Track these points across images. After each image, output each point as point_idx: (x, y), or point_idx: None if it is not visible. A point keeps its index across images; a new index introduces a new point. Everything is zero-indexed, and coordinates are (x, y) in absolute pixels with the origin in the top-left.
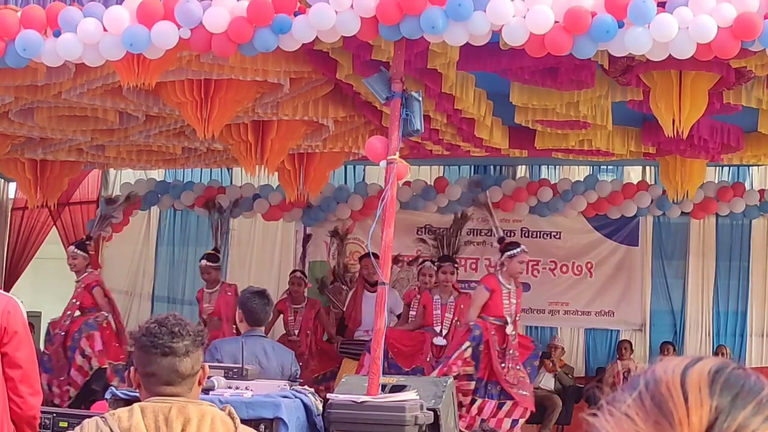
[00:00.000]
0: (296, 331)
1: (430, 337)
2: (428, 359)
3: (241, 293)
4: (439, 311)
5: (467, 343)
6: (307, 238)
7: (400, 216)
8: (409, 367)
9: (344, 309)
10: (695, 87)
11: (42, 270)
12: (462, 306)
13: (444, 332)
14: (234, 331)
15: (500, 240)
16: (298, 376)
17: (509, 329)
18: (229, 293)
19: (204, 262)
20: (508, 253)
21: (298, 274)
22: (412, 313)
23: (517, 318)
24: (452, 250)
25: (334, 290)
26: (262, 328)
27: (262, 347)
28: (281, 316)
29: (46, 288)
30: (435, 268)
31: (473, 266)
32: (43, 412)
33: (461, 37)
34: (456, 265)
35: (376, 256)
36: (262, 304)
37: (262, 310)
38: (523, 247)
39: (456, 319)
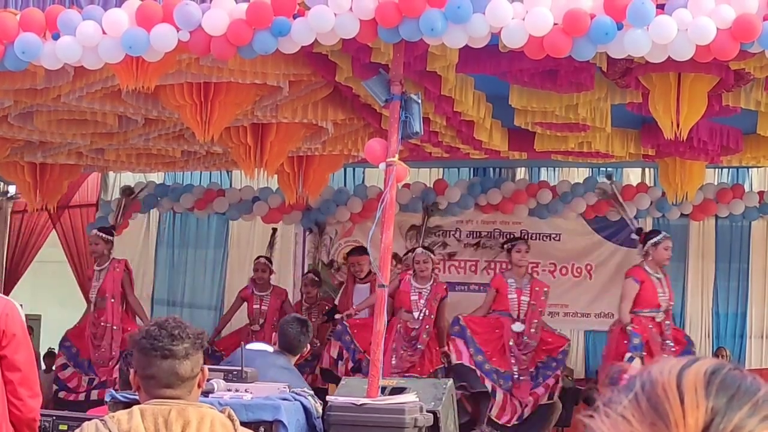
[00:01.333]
0: (261, 321)
1: (508, 323)
2: (510, 345)
3: (283, 318)
4: (515, 295)
5: (629, 354)
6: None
7: (399, 218)
8: (491, 353)
9: (335, 302)
10: (694, 89)
11: (41, 273)
12: (537, 289)
13: (521, 317)
14: (122, 310)
15: (638, 231)
16: None
17: (659, 317)
18: (117, 269)
19: (94, 231)
20: (652, 241)
21: (263, 260)
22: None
23: (670, 307)
24: (420, 240)
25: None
26: (294, 357)
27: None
28: (245, 304)
29: (46, 291)
30: (426, 255)
31: (472, 268)
32: (42, 414)
33: (460, 40)
34: (528, 247)
35: (365, 251)
36: (299, 332)
37: (296, 338)
38: (664, 233)
39: (533, 302)
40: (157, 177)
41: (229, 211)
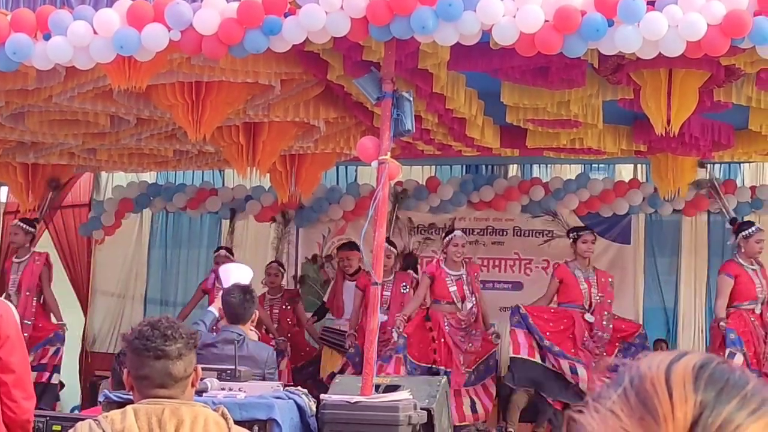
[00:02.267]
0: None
1: (578, 315)
2: (584, 339)
3: (225, 289)
4: (585, 286)
5: (729, 350)
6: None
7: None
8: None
9: (324, 299)
10: (685, 85)
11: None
12: (603, 279)
13: (592, 309)
14: (37, 304)
15: (732, 221)
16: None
17: (758, 308)
18: (38, 262)
19: (16, 221)
20: (743, 233)
21: (223, 252)
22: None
23: None
24: (390, 229)
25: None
26: (241, 326)
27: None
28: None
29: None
30: (464, 239)
31: None
32: (36, 415)
33: (451, 37)
34: (594, 238)
35: (355, 246)
36: (241, 299)
37: (240, 306)
38: (758, 226)
39: (600, 293)
40: (149, 177)
41: (222, 210)
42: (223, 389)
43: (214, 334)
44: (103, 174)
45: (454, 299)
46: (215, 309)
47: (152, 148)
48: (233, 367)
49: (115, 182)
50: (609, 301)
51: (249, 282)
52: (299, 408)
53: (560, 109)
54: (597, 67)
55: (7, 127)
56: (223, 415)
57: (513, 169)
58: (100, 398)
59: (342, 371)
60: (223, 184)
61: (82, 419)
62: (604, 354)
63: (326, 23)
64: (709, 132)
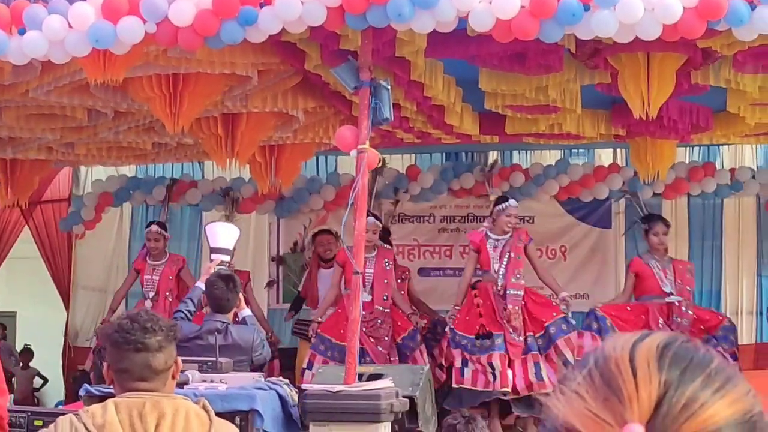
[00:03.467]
0: (151, 293)
1: (655, 307)
2: (660, 327)
3: (208, 277)
4: (662, 275)
5: None
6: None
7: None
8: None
9: (299, 288)
10: (663, 68)
11: (15, 269)
12: (680, 267)
13: (675, 292)
14: None
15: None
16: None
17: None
18: None
19: None
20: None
21: (155, 228)
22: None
23: None
24: (370, 204)
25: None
26: (226, 316)
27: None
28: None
29: (20, 287)
30: (515, 209)
31: (447, 253)
32: (17, 411)
33: (428, 25)
34: (668, 225)
35: (330, 232)
36: (227, 290)
37: (224, 296)
38: None
39: (678, 281)
40: (128, 170)
41: (202, 202)
42: (204, 381)
43: (198, 326)
44: (82, 168)
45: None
46: (202, 284)
47: (131, 141)
48: (214, 358)
49: (95, 176)
50: (688, 288)
51: (236, 241)
52: (281, 398)
53: (538, 94)
54: (574, 52)
55: None
56: (204, 407)
57: (493, 156)
58: (81, 393)
59: (309, 366)
60: (203, 176)
61: (64, 414)
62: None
63: (302, 13)
64: (687, 115)
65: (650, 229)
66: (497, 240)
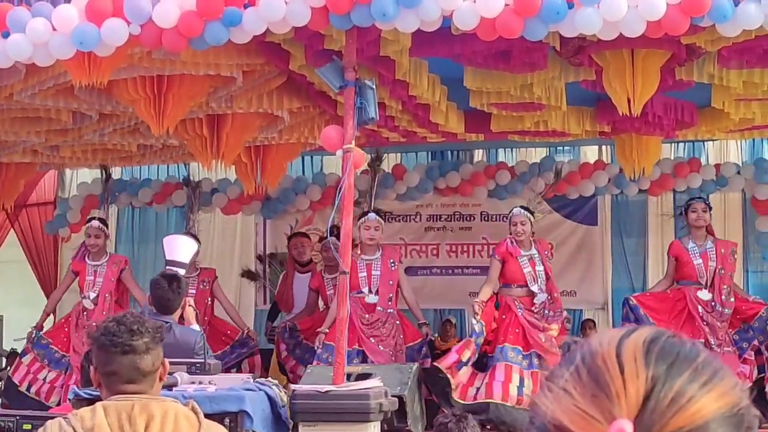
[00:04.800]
0: (92, 294)
1: (692, 292)
2: (700, 314)
3: (152, 279)
4: (700, 261)
5: None
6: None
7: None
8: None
9: (275, 292)
10: (647, 65)
11: (2, 273)
12: (722, 251)
13: (708, 283)
14: None
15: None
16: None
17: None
18: None
19: None
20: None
21: (96, 223)
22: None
23: None
24: (371, 201)
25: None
26: (171, 316)
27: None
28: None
29: (7, 291)
30: (524, 216)
31: (434, 252)
32: (5, 415)
33: (412, 24)
34: (709, 204)
35: (305, 235)
36: (169, 290)
37: (165, 297)
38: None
39: (720, 267)
40: (114, 172)
41: (188, 203)
42: (193, 383)
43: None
44: (68, 171)
45: (527, 281)
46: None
47: (116, 143)
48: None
49: (80, 179)
50: (730, 273)
51: (192, 255)
52: (270, 399)
53: (523, 92)
54: (558, 50)
55: None
56: (193, 409)
57: (478, 154)
58: (70, 396)
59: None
60: (189, 178)
61: (52, 417)
62: (726, 329)
63: (286, 13)
64: (672, 111)
65: (689, 206)
66: (528, 256)
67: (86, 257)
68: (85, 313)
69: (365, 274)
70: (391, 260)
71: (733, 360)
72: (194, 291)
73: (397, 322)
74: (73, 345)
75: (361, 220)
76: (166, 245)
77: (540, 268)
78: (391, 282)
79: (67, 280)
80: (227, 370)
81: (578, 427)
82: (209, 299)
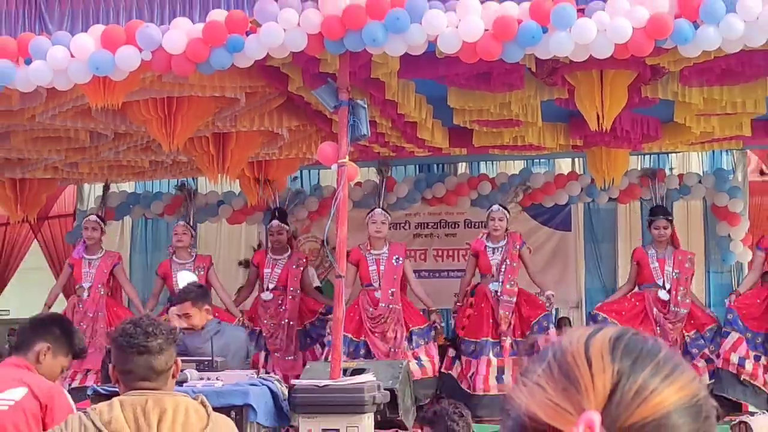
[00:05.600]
0: (86, 284)
1: (650, 294)
2: (654, 314)
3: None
4: (656, 264)
5: None
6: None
7: (352, 214)
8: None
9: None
10: (615, 84)
11: (27, 279)
12: (680, 257)
13: (667, 286)
14: None
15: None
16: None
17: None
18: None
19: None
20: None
21: (93, 217)
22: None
23: None
24: (380, 201)
25: None
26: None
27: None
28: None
29: (31, 295)
30: (501, 213)
31: (422, 256)
32: None
33: (400, 48)
34: (670, 218)
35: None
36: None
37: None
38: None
39: (676, 270)
40: (128, 186)
41: (197, 214)
42: (201, 379)
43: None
44: (86, 185)
45: (493, 272)
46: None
47: (130, 159)
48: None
49: (97, 193)
50: (686, 277)
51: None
52: (273, 393)
53: (502, 110)
54: (534, 71)
55: None
56: (202, 403)
57: (462, 167)
58: (89, 392)
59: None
60: (197, 191)
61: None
62: (679, 329)
63: (285, 40)
64: (638, 126)
65: (651, 223)
66: (494, 247)
67: (84, 252)
68: (80, 304)
69: (375, 267)
70: (396, 256)
71: None
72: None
73: (400, 314)
74: None
75: (368, 216)
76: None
77: (503, 257)
78: (395, 277)
79: (64, 273)
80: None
81: (551, 418)
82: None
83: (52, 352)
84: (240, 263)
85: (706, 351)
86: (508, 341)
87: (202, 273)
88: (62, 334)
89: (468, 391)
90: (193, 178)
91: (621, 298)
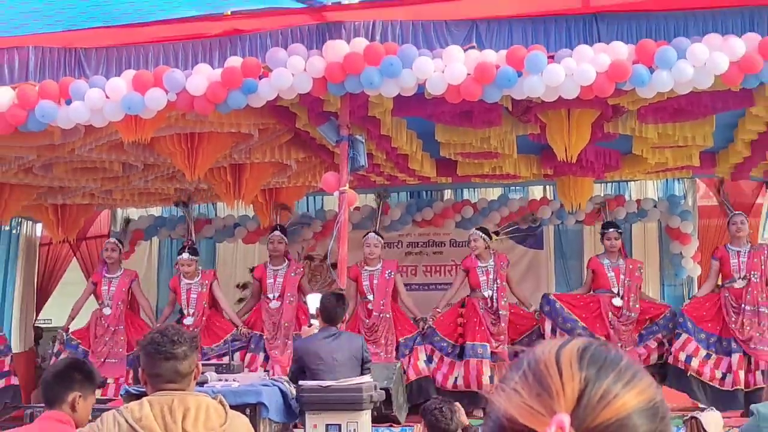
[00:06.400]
0: (108, 301)
1: (606, 299)
2: (609, 318)
3: (323, 295)
4: (612, 273)
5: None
6: None
7: (352, 235)
8: (594, 330)
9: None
10: (581, 121)
11: (66, 293)
12: (631, 267)
13: (620, 293)
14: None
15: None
16: (368, 360)
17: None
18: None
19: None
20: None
21: (113, 239)
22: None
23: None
24: (377, 225)
25: None
26: (336, 326)
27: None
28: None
29: (69, 306)
30: (477, 235)
31: (413, 272)
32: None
33: (394, 90)
34: (620, 231)
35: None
36: (336, 305)
37: (333, 310)
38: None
39: (628, 278)
40: (156, 211)
41: (216, 236)
42: (220, 380)
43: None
44: (119, 210)
45: (482, 287)
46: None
47: (157, 187)
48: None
49: (129, 216)
50: (637, 285)
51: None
52: (282, 392)
53: (483, 143)
54: (510, 110)
55: (39, 176)
56: (221, 402)
57: (447, 193)
58: (121, 392)
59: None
60: (216, 215)
61: (108, 410)
62: (631, 331)
63: (293, 83)
64: (601, 157)
65: (603, 235)
66: (483, 267)
67: (105, 271)
68: (102, 318)
69: (368, 282)
70: (388, 270)
71: (635, 357)
72: (196, 293)
73: (390, 323)
74: (92, 347)
75: (364, 238)
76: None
77: (493, 276)
78: (387, 289)
79: (87, 290)
80: (220, 357)
81: (526, 420)
82: (206, 302)
83: (83, 397)
84: (237, 286)
85: (660, 335)
86: (501, 347)
87: (206, 289)
88: (84, 378)
89: (438, 386)
90: (212, 203)
91: (576, 295)
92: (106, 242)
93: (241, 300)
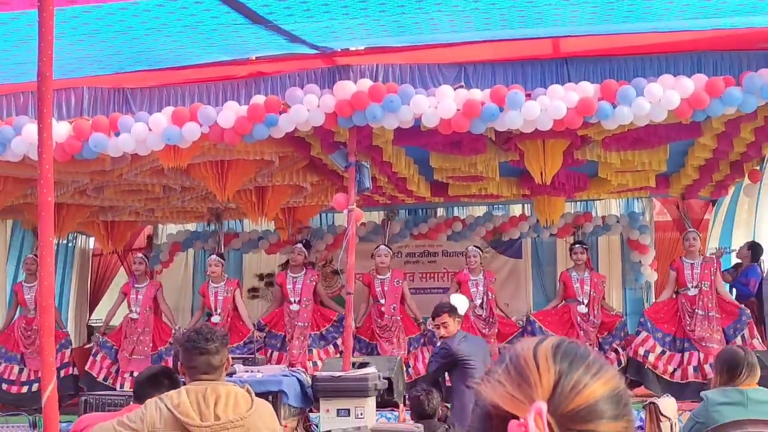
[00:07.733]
0: (136, 308)
1: (574, 307)
2: (578, 322)
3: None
4: (578, 285)
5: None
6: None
7: (359, 247)
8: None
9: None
10: (554, 149)
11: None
12: (595, 280)
13: (585, 301)
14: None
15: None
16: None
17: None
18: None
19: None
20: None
21: (139, 255)
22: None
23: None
24: (386, 239)
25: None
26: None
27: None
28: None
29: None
30: (475, 251)
31: (411, 278)
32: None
33: (394, 123)
34: (585, 246)
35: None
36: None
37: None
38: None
39: (593, 290)
40: (192, 226)
41: (242, 248)
42: (246, 372)
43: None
44: (160, 225)
45: (473, 299)
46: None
47: (192, 206)
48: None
49: (168, 231)
50: (600, 296)
51: (465, 306)
52: (300, 382)
53: (470, 168)
54: (494, 140)
55: (92, 197)
56: (247, 390)
57: (440, 211)
58: None
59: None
60: (242, 229)
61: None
62: (596, 332)
63: (308, 117)
64: (571, 179)
65: (572, 250)
66: (474, 280)
67: (133, 282)
68: (131, 322)
69: (380, 288)
70: (396, 279)
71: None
72: (222, 297)
73: (400, 324)
74: (122, 346)
75: (375, 250)
76: (456, 301)
77: (483, 289)
78: (396, 295)
79: (118, 299)
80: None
81: (509, 407)
82: (230, 305)
83: None
84: (248, 290)
85: (615, 344)
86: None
87: (230, 294)
88: (171, 384)
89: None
90: (239, 220)
91: (551, 309)
92: (134, 257)
93: (253, 294)
